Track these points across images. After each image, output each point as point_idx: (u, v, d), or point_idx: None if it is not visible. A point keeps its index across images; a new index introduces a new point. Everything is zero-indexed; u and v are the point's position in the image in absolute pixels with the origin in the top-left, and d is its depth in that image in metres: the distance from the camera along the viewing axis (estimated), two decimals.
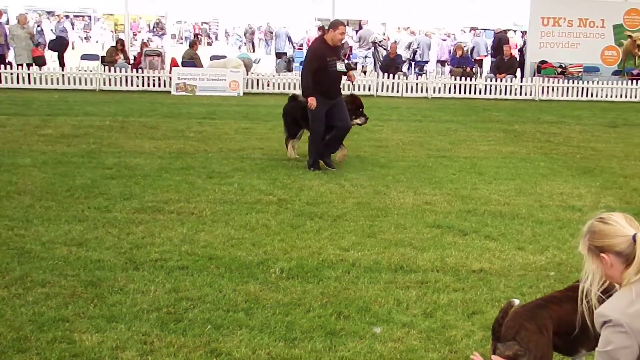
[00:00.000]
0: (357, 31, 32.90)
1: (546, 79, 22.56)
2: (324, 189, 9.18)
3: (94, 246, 6.67)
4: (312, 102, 10.18)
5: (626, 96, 22.38)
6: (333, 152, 10.95)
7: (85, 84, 21.03)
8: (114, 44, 24.38)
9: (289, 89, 21.51)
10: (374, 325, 5.04)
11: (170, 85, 20.91)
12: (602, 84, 22.61)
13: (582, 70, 23.57)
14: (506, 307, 3.43)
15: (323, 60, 10.18)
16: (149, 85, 21.27)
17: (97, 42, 41.12)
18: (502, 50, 24.11)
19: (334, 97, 10.45)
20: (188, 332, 4.91)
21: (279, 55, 28.97)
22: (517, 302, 3.53)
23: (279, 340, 4.80)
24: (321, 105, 10.26)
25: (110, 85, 21.10)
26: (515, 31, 33.57)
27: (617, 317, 2.84)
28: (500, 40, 25.89)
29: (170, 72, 21.26)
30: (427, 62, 27.65)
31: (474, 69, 24.99)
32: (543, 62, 23.46)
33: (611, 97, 22.36)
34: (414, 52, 27.49)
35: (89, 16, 50.36)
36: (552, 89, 22.38)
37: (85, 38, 47.05)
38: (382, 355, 4.59)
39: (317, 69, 10.17)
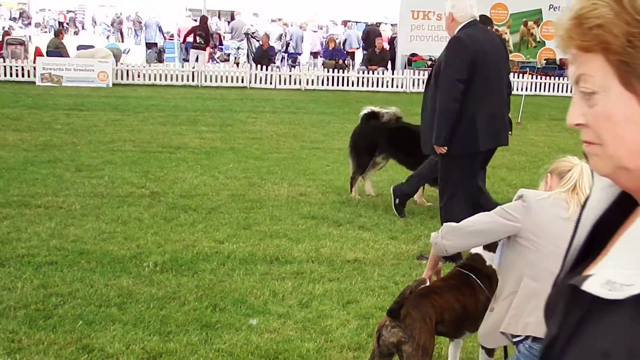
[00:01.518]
0: (229, 22, 32.66)
1: (417, 71, 23.08)
2: (197, 182, 9.07)
3: None
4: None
5: None
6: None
7: None
8: None
9: (160, 80, 21.18)
10: (250, 317, 5.02)
11: (34, 76, 20.09)
12: None
13: None
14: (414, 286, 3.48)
15: None
16: (11, 75, 20.31)
17: None
18: (373, 43, 24.52)
19: None
20: (58, 328, 4.73)
21: (149, 45, 28.37)
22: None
23: (154, 335, 4.71)
24: None
25: None
26: (386, 24, 34.16)
27: (528, 194, 3.40)
28: (369, 33, 26.29)
29: (34, 62, 20.45)
30: (300, 54, 27.79)
31: (346, 62, 25.29)
32: (413, 55, 23.99)
33: None
34: (287, 44, 27.57)
35: None
36: (423, 82, 22.87)
37: None
38: (259, 346, 4.58)
39: None
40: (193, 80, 21.39)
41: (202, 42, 23.06)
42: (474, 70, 6.14)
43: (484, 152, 6.52)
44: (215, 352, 4.49)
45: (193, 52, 23.13)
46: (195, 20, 27.36)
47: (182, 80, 21.44)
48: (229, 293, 5.46)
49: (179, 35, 27.03)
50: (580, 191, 3.31)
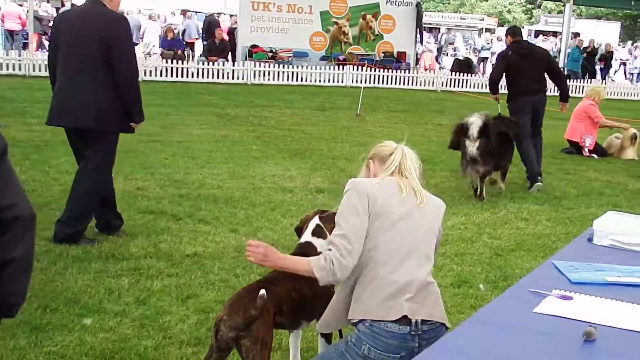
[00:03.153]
0: (58, 9, 31.34)
1: (258, 63, 23.13)
2: (25, 177, 8.61)
3: None
4: None
5: (333, 81, 23.61)
6: None
7: None
8: None
9: None
10: (83, 317, 4.84)
11: None
12: (311, 68, 23.67)
13: (292, 55, 24.49)
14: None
15: None
16: None
17: None
18: (213, 34, 24.32)
19: None
20: None
21: None
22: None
23: None
24: None
25: None
26: (226, 14, 34.00)
27: (357, 181, 3.34)
28: (210, 23, 26.07)
29: None
30: (136, 44, 27.13)
31: (185, 52, 24.95)
32: (254, 46, 24.03)
33: (319, 81, 23.47)
34: None
35: None
36: (264, 73, 22.99)
37: None
38: (93, 347, 4.42)
39: None
40: (20, 69, 20.30)
41: None
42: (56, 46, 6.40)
43: (67, 131, 6.66)
44: (45, 356, 4.30)
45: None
46: (22, 5, 25.97)
47: (8, 69, 20.26)
48: (61, 293, 5.25)
49: (2, 21, 25.53)
50: (406, 172, 3.37)
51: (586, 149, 13.13)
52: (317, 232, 3.92)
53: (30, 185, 8.32)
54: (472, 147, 8.78)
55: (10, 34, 25.07)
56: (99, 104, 6.24)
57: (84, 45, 6.16)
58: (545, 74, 10.24)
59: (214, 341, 3.41)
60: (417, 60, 32.15)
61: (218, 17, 28.96)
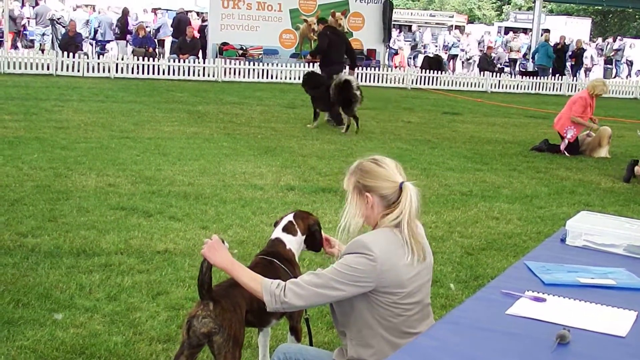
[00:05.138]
0: (33, 7, 31.17)
1: (228, 60, 23.13)
2: None
3: None
4: None
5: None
6: None
7: None
8: None
9: None
10: (55, 312, 4.87)
11: None
12: (281, 66, 23.70)
13: (262, 52, 24.51)
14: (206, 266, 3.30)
15: None
16: None
17: None
18: (183, 31, 24.28)
19: None
20: None
21: None
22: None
23: None
24: None
25: None
26: (197, 12, 33.90)
27: (377, 253, 2.96)
28: (180, 21, 26.01)
29: None
30: (109, 41, 27.01)
31: (156, 50, 24.89)
32: (225, 44, 24.04)
33: (289, 79, 23.50)
34: (95, 31, 26.74)
35: None
36: (234, 71, 23.00)
37: None
38: (64, 341, 4.46)
39: None
40: None
41: None
42: None
43: None
44: (17, 349, 4.33)
45: None
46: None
47: None
48: (32, 287, 5.27)
49: None
50: (412, 223, 3.07)
51: (566, 140, 12.79)
52: (288, 229, 3.95)
53: (3, 180, 8.32)
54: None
55: None
56: None
57: None
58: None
59: (185, 337, 3.41)
60: (392, 58, 32.33)
61: (187, 14, 28.82)
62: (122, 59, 22.31)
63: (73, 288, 5.33)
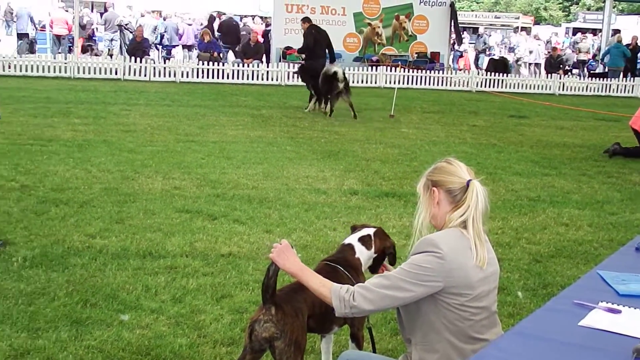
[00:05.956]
0: (102, 14, 31.87)
1: (291, 64, 23.19)
2: (69, 175, 8.83)
3: None
4: None
5: (367, 82, 23.59)
6: None
7: None
8: None
9: (32, 71, 20.61)
10: (121, 313, 4.94)
11: None
12: (345, 69, 23.61)
13: None
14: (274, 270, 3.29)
15: None
16: None
17: None
18: (233, 35, 24.53)
19: None
20: None
21: (20, 36, 27.39)
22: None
23: (22, 331, 4.57)
24: None
25: None
26: (261, 17, 34.18)
27: (445, 250, 2.93)
28: (228, 25, 26.19)
29: None
30: (175, 46, 27.41)
31: (221, 54, 25.14)
32: (288, 48, 24.09)
33: (353, 82, 23.38)
34: (161, 36, 27.17)
35: None
36: (297, 75, 23.01)
37: None
38: (130, 342, 4.51)
39: None
40: (65, 71, 20.89)
41: None
42: None
43: None
44: (85, 349, 4.40)
45: None
46: (68, 11, 26.66)
47: (55, 71, 20.90)
48: (100, 288, 5.35)
49: (51, 27, 26.26)
50: (477, 223, 3.04)
51: None
52: (364, 240, 3.89)
53: (73, 182, 8.49)
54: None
55: (58, 39, 25.73)
56: None
57: None
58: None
59: (247, 342, 3.40)
60: (458, 60, 32.01)
61: (253, 19, 29.07)
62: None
63: (139, 289, 5.39)
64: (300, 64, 17.76)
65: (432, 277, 2.92)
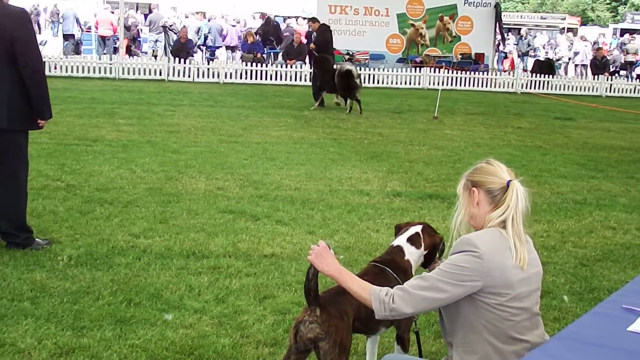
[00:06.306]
0: (146, 15, 32.22)
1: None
2: (114, 175, 8.92)
3: None
4: None
5: (410, 83, 23.51)
6: None
7: None
8: None
9: (77, 72, 20.88)
10: (165, 312, 4.97)
11: None
12: (388, 71, 23.60)
13: (368, 57, 24.48)
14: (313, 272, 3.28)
15: None
16: None
17: None
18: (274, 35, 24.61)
19: None
20: None
21: (66, 37, 27.85)
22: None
23: (67, 330, 4.62)
24: None
25: None
26: (304, 18, 34.26)
27: (483, 249, 2.92)
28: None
29: None
30: (218, 47, 27.58)
31: (264, 55, 25.25)
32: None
33: (396, 83, 23.41)
34: (205, 37, 27.36)
35: None
36: (312, 66, 22.99)
37: None
38: (174, 342, 4.53)
39: None
40: (110, 72, 21.15)
41: None
42: None
43: None
44: (129, 348, 4.43)
45: None
46: (113, 13, 27.02)
47: (100, 72, 21.17)
48: (144, 288, 5.39)
49: (96, 28, 26.61)
50: (517, 224, 3.01)
51: None
52: (413, 240, 3.89)
53: (117, 182, 8.58)
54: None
55: (103, 40, 26.04)
56: (10, 103, 5.93)
57: None
58: None
59: (292, 342, 3.41)
60: (502, 61, 31.68)
61: (297, 20, 29.16)
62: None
63: (183, 289, 5.41)
64: (320, 56, 18.01)
65: (471, 277, 2.92)
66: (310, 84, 22.12)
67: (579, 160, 11.84)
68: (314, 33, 20.00)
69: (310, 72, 22.70)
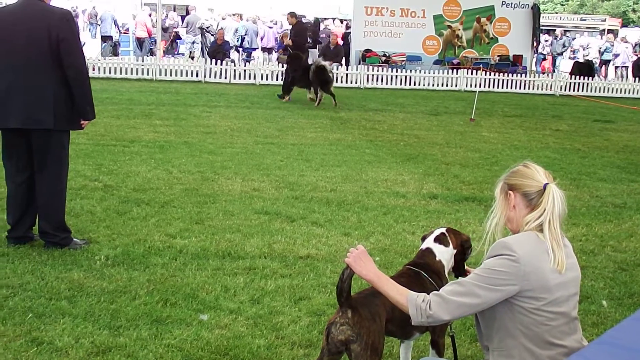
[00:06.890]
0: (183, 17, 32.46)
1: (371, 67, 23.16)
2: (151, 175, 8.99)
3: None
4: None
5: (447, 85, 23.39)
6: None
7: None
8: None
9: (115, 73, 21.07)
10: (200, 312, 4.99)
11: None
12: (424, 72, 23.51)
13: (405, 59, 24.42)
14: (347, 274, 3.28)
15: None
16: None
17: None
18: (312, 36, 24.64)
19: None
20: (8, 320, 4.68)
21: (104, 39, 28.16)
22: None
23: (104, 329, 4.66)
24: None
25: None
26: (341, 20, 34.26)
27: (520, 253, 2.90)
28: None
29: None
30: (255, 49, 27.68)
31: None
32: (367, 50, 24.10)
33: (433, 85, 23.31)
34: (242, 39, 27.48)
35: None
36: (377, 77, 23.00)
37: None
38: (209, 342, 4.55)
39: None
40: (148, 74, 21.35)
41: None
42: None
43: (9, 130, 6.08)
44: (165, 348, 4.45)
45: None
46: (150, 15, 27.30)
47: (137, 73, 21.37)
48: (180, 288, 5.42)
49: (135, 29, 26.93)
50: (554, 228, 2.99)
51: None
52: (440, 239, 3.89)
53: (154, 183, 8.64)
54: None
55: (140, 42, 26.26)
56: (55, 103, 5.98)
57: (31, 43, 5.91)
58: None
59: (325, 344, 3.40)
60: (541, 63, 31.38)
61: (333, 22, 29.18)
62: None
63: (218, 290, 5.43)
64: (289, 55, 18.88)
65: (507, 281, 2.90)
66: (348, 85, 22.23)
67: (618, 164, 11.67)
68: (291, 27, 20.40)
69: (347, 74, 22.82)
